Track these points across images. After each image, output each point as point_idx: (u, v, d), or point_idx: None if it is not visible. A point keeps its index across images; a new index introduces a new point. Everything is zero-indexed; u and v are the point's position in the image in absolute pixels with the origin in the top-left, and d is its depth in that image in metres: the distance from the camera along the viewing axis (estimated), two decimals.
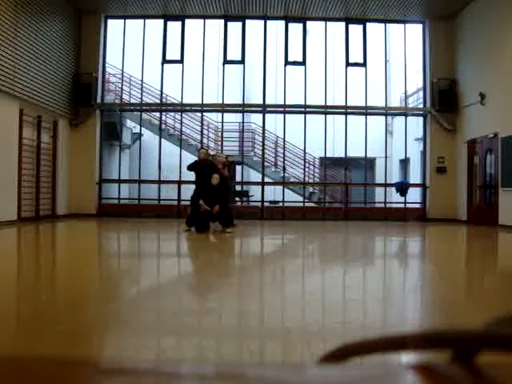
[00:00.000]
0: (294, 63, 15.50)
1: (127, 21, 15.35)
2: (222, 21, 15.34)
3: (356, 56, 15.41)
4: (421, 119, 15.56)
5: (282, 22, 15.45)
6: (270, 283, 5.10)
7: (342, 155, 15.52)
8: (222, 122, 15.77)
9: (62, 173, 13.82)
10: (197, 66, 15.32)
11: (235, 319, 3.41)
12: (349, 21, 15.28)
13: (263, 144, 15.73)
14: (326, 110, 15.33)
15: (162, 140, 15.68)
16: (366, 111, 15.31)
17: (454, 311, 3.62)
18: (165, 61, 15.41)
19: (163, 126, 16.00)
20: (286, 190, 15.65)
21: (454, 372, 0.35)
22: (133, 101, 16.23)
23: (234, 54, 15.51)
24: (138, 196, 15.55)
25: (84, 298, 3.98)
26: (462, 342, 0.36)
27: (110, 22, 15.34)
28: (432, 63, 14.90)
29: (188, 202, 10.38)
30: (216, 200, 9.45)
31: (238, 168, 17.38)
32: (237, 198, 16.23)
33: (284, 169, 16.26)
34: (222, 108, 15.54)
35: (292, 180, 16.61)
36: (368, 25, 15.41)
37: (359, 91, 15.11)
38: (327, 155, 15.58)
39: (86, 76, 14.44)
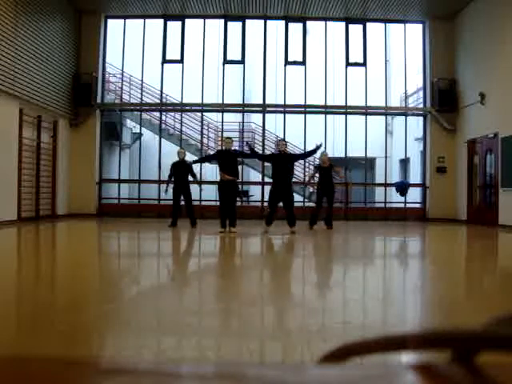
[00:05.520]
0: (294, 63, 15.50)
1: (127, 21, 15.36)
2: (222, 21, 15.35)
3: (356, 56, 15.41)
4: (421, 119, 15.56)
5: (282, 22, 15.45)
6: (270, 283, 5.10)
7: (342, 155, 15.52)
8: (222, 122, 15.77)
9: (61, 173, 13.82)
10: (197, 66, 15.32)
11: (235, 319, 3.41)
12: (349, 21, 15.29)
13: (263, 144, 15.73)
14: (326, 109, 15.34)
15: (162, 140, 15.69)
16: (366, 111, 15.31)
17: (453, 311, 3.62)
18: (165, 61, 15.41)
19: (163, 126, 16.00)
20: None
21: (454, 372, 0.35)
22: (133, 101, 16.22)
23: (233, 54, 15.51)
24: (138, 196, 15.56)
25: (84, 298, 3.98)
26: (462, 341, 0.36)
27: (110, 21, 15.34)
28: (432, 63, 14.90)
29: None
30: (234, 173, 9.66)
31: (238, 168, 17.33)
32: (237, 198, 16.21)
33: None
34: (222, 108, 15.54)
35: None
36: (368, 25, 15.41)
37: (359, 91, 15.11)
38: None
39: (86, 76, 14.44)
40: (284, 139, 11.13)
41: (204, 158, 11.82)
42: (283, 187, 9.71)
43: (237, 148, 16.55)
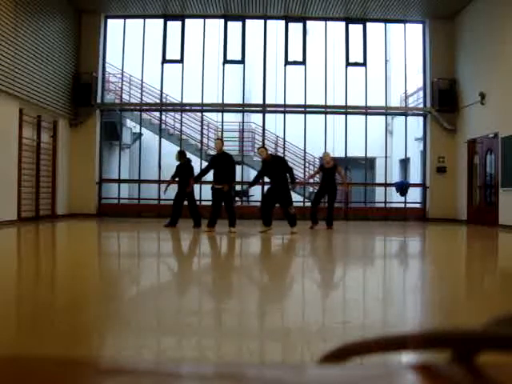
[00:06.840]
0: (294, 63, 15.51)
1: (127, 21, 15.36)
2: (222, 21, 15.35)
3: (356, 56, 15.41)
4: (421, 119, 15.56)
5: (282, 22, 15.45)
6: (270, 283, 5.10)
7: (342, 155, 15.52)
8: (222, 122, 15.77)
9: (61, 173, 13.82)
10: (197, 65, 15.32)
11: (235, 319, 3.41)
12: (349, 21, 15.29)
13: (263, 144, 15.72)
14: (326, 109, 15.34)
15: (162, 140, 15.69)
16: (366, 111, 15.31)
17: (453, 311, 3.62)
18: (165, 61, 15.41)
19: (163, 126, 16.00)
20: None
21: (454, 372, 0.35)
22: (133, 101, 16.23)
23: (233, 53, 15.51)
24: (138, 196, 15.55)
25: (84, 298, 3.98)
26: (462, 341, 0.36)
27: (110, 21, 15.34)
28: (432, 63, 14.90)
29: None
30: (225, 179, 9.51)
31: (238, 168, 17.34)
32: (237, 198, 16.21)
33: None
34: (222, 108, 15.55)
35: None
36: (368, 25, 15.41)
37: (359, 91, 15.12)
38: None
39: (86, 76, 14.44)
40: (262, 146, 11.11)
41: (204, 171, 10.46)
42: (278, 188, 9.72)
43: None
